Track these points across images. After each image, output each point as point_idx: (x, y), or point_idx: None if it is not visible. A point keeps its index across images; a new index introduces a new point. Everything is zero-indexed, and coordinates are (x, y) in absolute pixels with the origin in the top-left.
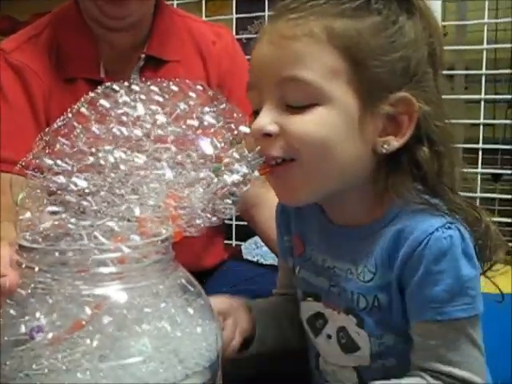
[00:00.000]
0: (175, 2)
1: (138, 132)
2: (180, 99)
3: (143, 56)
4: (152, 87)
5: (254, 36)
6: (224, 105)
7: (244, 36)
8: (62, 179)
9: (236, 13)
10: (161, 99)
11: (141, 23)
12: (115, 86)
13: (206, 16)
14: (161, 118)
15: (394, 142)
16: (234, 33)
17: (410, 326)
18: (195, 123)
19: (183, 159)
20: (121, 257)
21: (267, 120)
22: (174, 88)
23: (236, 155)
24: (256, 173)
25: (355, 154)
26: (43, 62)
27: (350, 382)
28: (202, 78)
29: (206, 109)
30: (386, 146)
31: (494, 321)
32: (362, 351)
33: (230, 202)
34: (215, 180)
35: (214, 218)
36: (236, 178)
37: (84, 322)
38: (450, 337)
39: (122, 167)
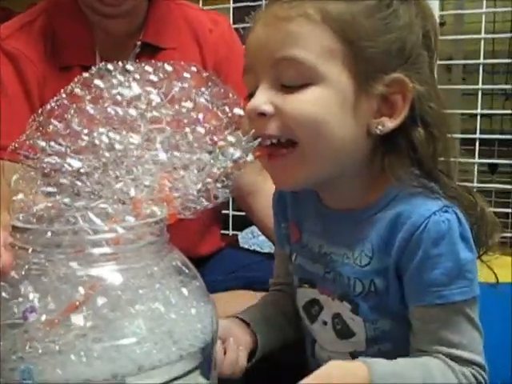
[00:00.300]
0: None
1: (132, 112)
2: (174, 80)
3: (139, 43)
4: (146, 67)
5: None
6: (218, 87)
7: (241, 26)
8: (55, 160)
9: (233, 2)
10: (155, 79)
11: (136, 10)
12: (109, 66)
13: (203, 5)
14: (155, 99)
15: (389, 123)
16: (232, 23)
17: (409, 311)
18: (190, 105)
19: (178, 141)
20: (115, 238)
21: (262, 99)
22: (169, 68)
23: (231, 138)
24: (250, 156)
25: (350, 135)
26: (38, 49)
27: None
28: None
29: (201, 90)
30: (380, 127)
31: (494, 321)
32: (357, 337)
33: (224, 185)
34: (210, 162)
35: (208, 202)
36: (230, 161)
37: (78, 303)
38: (450, 319)
39: (117, 147)
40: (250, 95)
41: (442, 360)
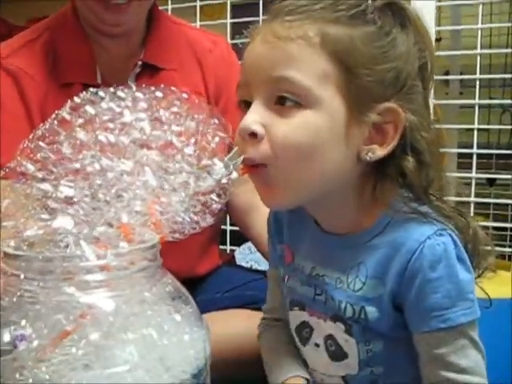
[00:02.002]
0: (170, 7)
1: (123, 139)
2: (165, 105)
3: (140, 63)
4: (137, 94)
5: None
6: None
7: (239, 41)
8: (46, 187)
9: (231, 17)
10: (145, 105)
11: (136, 30)
12: (100, 93)
13: (201, 20)
14: (146, 126)
15: (379, 151)
16: (230, 38)
17: (414, 339)
18: (179, 129)
19: (167, 165)
20: (107, 264)
21: (254, 118)
22: (159, 94)
23: (215, 159)
24: (235, 174)
25: (338, 160)
26: (39, 67)
27: None
28: (199, 86)
29: (192, 116)
30: (370, 154)
31: (494, 324)
32: (350, 359)
33: (211, 206)
34: (193, 184)
35: (196, 225)
36: (214, 179)
37: (69, 331)
38: (456, 343)
39: (108, 174)
40: (245, 103)
41: None
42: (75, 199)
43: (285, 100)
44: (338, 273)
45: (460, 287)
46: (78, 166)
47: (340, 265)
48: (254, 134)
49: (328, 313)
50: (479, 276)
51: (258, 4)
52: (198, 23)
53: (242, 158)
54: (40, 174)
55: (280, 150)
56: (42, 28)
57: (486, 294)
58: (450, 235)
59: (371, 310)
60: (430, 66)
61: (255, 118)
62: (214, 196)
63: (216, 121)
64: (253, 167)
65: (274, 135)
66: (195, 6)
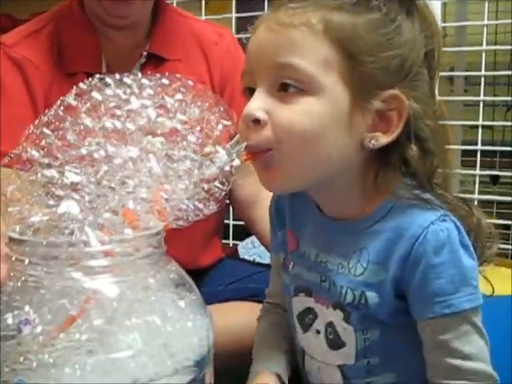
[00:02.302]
0: (175, 1)
1: (129, 125)
2: (170, 92)
3: (145, 53)
4: (143, 80)
5: None
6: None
7: (244, 35)
8: (52, 173)
9: (236, 12)
10: (152, 92)
11: (142, 22)
12: (107, 79)
13: (205, 15)
14: (151, 113)
15: (382, 139)
16: (234, 32)
17: (419, 327)
18: (184, 117)
19: (172, 152)
20: (111, 250)
21: (258, 105)
22: (165, 81)
23: (218, 147)
24: (237, 161)
25: (341, 147)
26: (44, 56)
27: (334, 381)
28: (204, 78)
29: (196, 103)
30: (373, 142)
31: (495, 321)
32: (347, 347)
33: (215, 194)
34: (196, 172)
35: (200, 212)
36: (218, 167)
37: (75, 315)
38: (460, 329)
39: (114, 161)
40: (247, 90)
41: None
42: (80, 186)
43: (288, 87)
44: (339, 258)
45: (463, 273)
46: (83, 152)
47: (342, 250)
48: (257, 121)
49: (331, 299)
50: (481, 264)
51: None
52: (203, 18)
53: (244, 144)
54: (46, 160)
55: (283, 134)
56: (46, 19)
57: (488, 281)
58: (453, 221)
59: (371, 296)
60: (437, 54)
61: (258, 104)
62: (217, 183)
63: (221, 109)
64: (257, 153)
65: (277, 120)
66: (200, 1)
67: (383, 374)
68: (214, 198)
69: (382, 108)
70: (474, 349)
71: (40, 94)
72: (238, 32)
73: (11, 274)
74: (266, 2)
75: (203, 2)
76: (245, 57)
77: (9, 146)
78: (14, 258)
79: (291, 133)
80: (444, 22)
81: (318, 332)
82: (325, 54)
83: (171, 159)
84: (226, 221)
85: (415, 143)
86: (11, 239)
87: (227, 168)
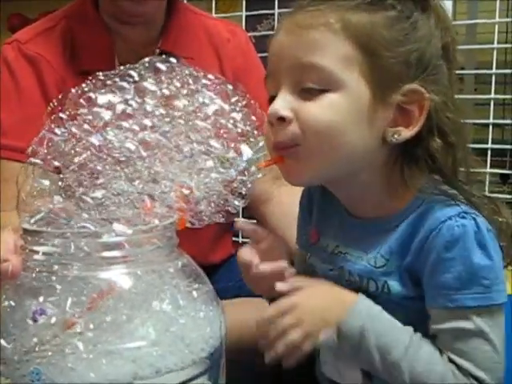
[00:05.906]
0: (185, 0)
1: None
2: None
3: (157, 51)
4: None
5: (264, 34)
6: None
7: (254, 34)
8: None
9: (246, 11)
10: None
11: (155, 19)
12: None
13: (215, 14)
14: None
15: (404, 133)
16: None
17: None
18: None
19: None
20: (125, 241)
21: (282, 104)
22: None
23: (242, 149)
24: (254, 168)
25: (363, 142)
26: (58, 53)
27: (352, 368)
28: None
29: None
30: (396, 136)
31: None
32: None
33: (240, 195)
34: (217, 170)
35: (220, 215)
36: (238, 170)
37: (90, 306)
38: (460, 325)
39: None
40: (271, 98)
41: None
42: (102, 180)
43: (310, 89)
44: (360, 252)
45: (473, 271)
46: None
47: (365, 246)
48: (282, 118)
49: (347, 288)
50: (508, 265)
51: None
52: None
53: (265, 152)
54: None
55: (309, 128)
56: (59, 16)
57: None
58: (475, 219)
59: (394, 284)
60: (452, 47)
61: (283, 103)
62: (234, 198)
63: (246, 109)
64: (284, 149)
65: (303, 116)
66: (211, 1)
67: None
68: (230, 208)
69: (402, 102)
70: (467, 348)
71: (53, 90)
72: (247, 30)
73: (26, 265)
74: (276, 1)
75: (214, 2)
76: (267, 61)
77: (23, 141)
78: (28, 250)
79: (317, 128)
80: (455, 20)
81: None
82: (345, 51)
83: (194, 155)
84: (236, 219)
85: (438, 136)
86: (25, 230)
87: (245, 176)
